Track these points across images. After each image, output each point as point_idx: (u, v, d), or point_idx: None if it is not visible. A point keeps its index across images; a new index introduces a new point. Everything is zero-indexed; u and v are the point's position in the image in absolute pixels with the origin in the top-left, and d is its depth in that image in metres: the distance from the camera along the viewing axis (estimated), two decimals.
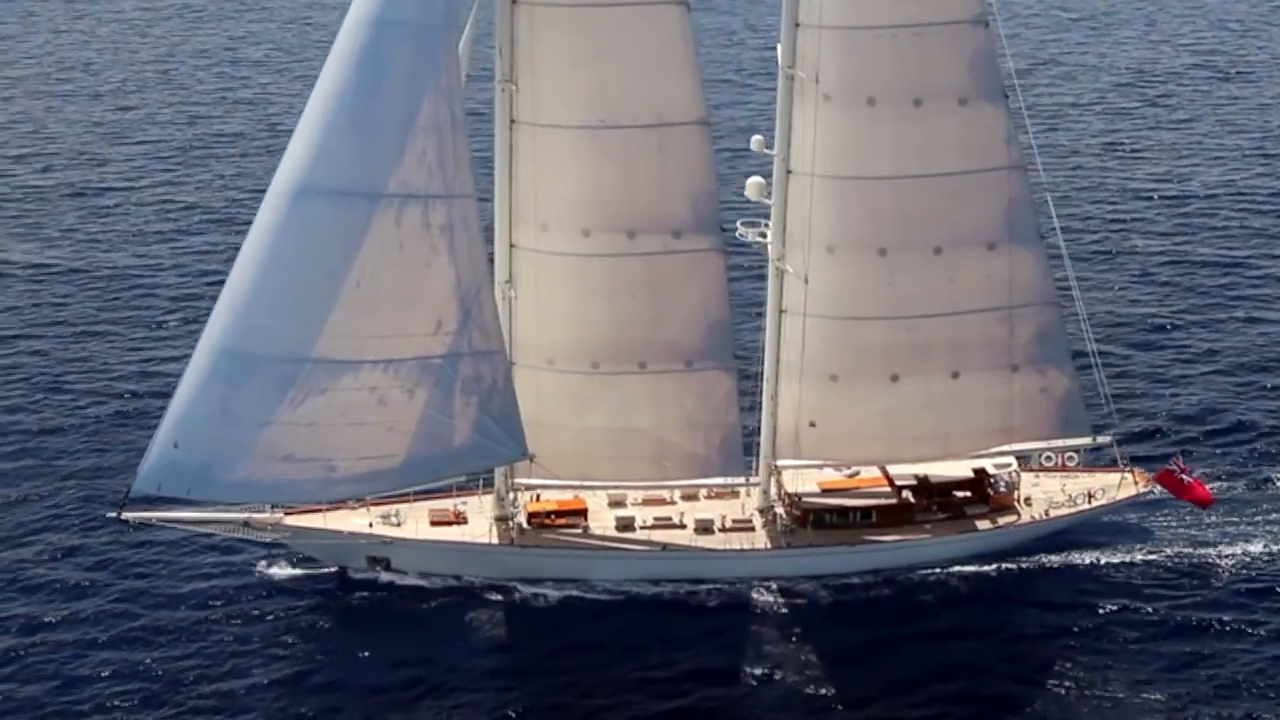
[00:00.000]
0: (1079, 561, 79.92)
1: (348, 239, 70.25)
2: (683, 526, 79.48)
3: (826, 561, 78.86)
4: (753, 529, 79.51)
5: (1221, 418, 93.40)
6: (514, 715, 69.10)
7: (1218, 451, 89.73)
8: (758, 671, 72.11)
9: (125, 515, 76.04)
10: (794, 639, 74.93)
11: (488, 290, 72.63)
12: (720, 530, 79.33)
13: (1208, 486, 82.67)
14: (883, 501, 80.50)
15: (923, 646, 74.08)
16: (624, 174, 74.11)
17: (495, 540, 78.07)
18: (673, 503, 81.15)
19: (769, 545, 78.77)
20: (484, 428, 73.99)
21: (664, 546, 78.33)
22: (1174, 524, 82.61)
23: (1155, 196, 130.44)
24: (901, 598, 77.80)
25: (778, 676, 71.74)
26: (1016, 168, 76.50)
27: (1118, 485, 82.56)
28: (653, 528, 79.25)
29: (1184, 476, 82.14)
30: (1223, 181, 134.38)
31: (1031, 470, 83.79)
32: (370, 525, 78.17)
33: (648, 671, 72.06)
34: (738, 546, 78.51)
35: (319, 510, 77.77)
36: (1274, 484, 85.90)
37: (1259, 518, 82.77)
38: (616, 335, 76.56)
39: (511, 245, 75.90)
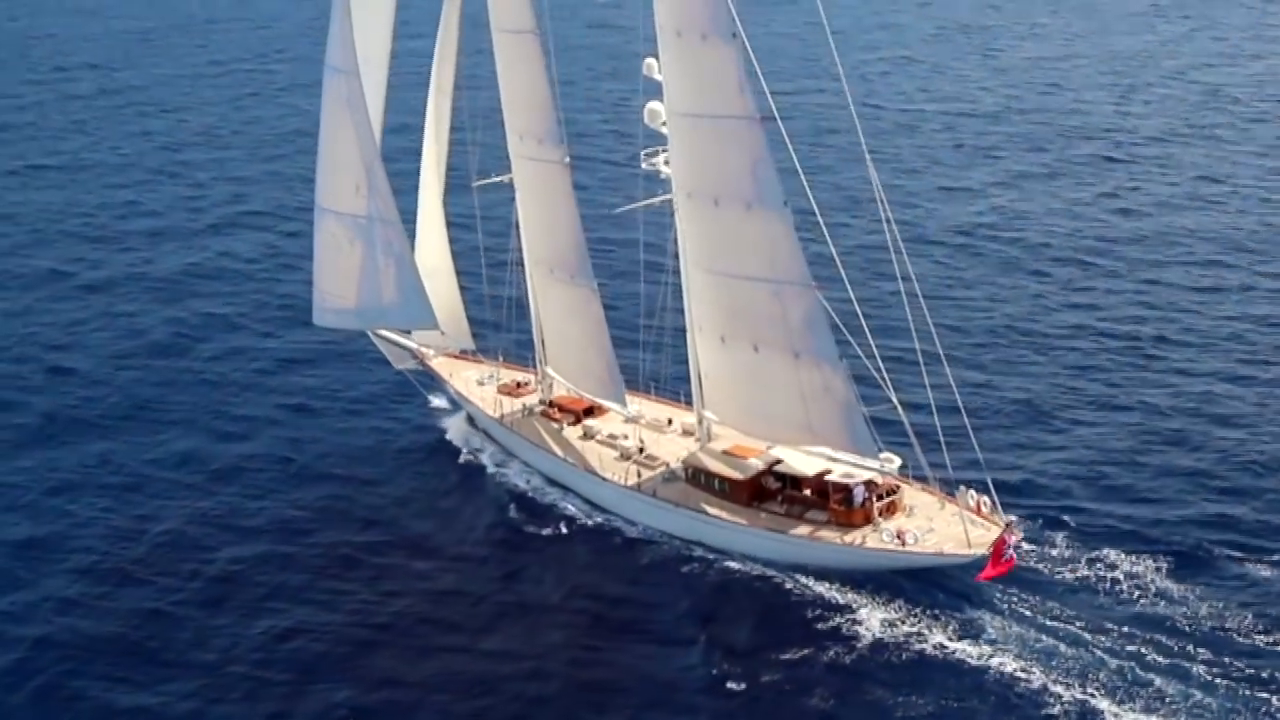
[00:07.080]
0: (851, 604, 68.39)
1: (322, 103, 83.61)
2: (615, 449, 79.97)
3: (653, 514, 75.44)
4: (650, 467, 77.69)
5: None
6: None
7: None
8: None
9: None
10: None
11: (378, 163, 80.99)
12: (631, 460, 78.80)
13: (1006, 563, 65.58)
14: (733, 475, 73.94)
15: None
16: (506, 77, 78.06)
17: (493, 412, 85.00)
18: (665, 430, 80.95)
19: (625, 483, 76.85)
20: (402, 289, 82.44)
21: (564, 455, 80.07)
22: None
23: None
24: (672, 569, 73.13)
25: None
26: (753, 119, 67.02)
27: (957, 539, 67.57)
28: (602, 442, 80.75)
29: (1006, 548, 65.49)
30: None
31: (953, 502, 70.35)
32: (450, 375, 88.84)
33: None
34: (605, 475, 77.70)
35: (460, 357, 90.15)
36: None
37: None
38: (534, 236, 79.93)
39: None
